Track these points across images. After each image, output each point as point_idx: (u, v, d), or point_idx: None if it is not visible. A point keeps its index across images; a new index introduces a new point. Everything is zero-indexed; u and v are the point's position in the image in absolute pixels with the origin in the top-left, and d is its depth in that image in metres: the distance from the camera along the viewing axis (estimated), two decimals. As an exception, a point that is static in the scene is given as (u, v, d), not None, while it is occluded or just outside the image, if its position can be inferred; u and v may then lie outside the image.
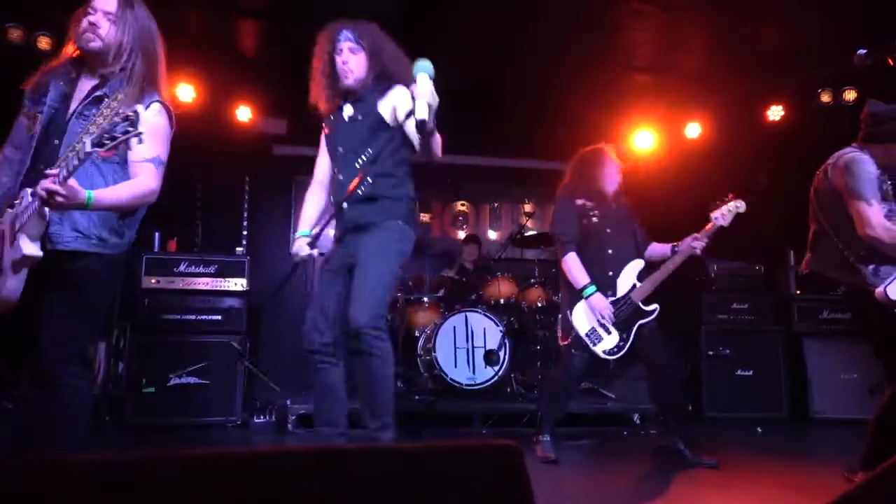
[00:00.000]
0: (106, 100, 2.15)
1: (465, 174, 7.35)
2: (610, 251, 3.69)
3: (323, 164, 2.95)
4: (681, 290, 3.88)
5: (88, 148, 1.88)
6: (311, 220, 2.88)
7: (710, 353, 5.31)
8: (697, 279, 5.52)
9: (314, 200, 2.91)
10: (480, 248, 6.62)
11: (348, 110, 2.81)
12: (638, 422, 4.88)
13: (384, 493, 0.93)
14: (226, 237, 5.95)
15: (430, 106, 2.30)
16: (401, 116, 2.50)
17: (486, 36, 5.07)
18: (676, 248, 3.66)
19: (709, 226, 3.59)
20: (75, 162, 1.91)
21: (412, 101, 2.32)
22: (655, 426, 4.58)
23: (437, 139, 2.49)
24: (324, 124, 2.93)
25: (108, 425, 4.40)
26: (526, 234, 6.06)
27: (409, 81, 2.46)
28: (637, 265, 3.69)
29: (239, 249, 5.35)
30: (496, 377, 5.04)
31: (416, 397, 5.05)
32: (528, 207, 7.45)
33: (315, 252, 2.65)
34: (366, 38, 2.73)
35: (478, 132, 6.47)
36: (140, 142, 1.91)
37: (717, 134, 6.32)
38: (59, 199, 1.91)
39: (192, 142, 5.38)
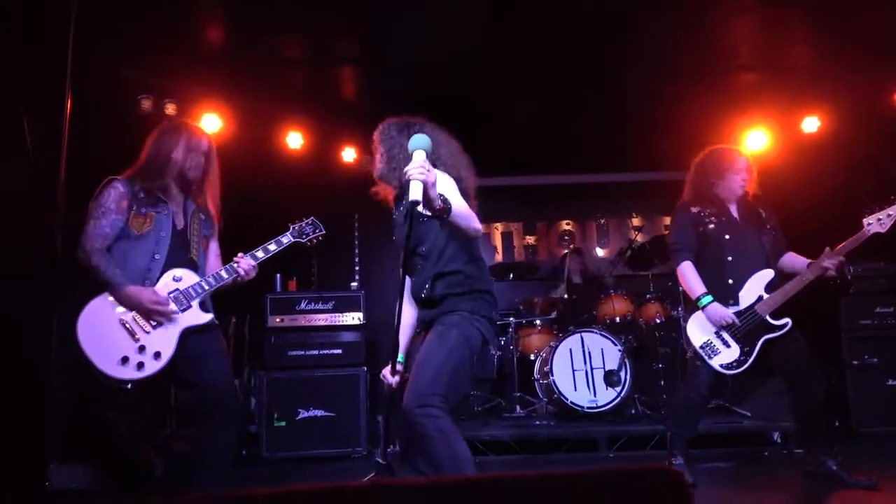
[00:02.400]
0: (195, 208, 2.90)
1: (567, 192, 7.24)
2: (730, 258, 3.46)
3: None
4: (815, 295, 3.55)
5: (290, 240, 2.99)
6: (407, 338, 2.68)
7: (855, 362, 4.84)
8: (832, 283, 5.07)
9: (407, 311, 2.66)
10: (583, 258, 6.46)
11: (399, 209, 2.67)
12: (779, 441, 4.52)
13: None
14: (340, 273, 6.17)
15: (425, 184, 2.09)
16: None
17: (579, 51, 5.00)
18: (811, 265, 3.35)
19: (857, 234, 3.23)
20: (273, 247, 2.92)
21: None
22: (800, 445, 4.21)
23: (463, 214, 2.29)
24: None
25: (245, 459, 4.62)
26: (636, 250, 5.85)
27: (447, 163, 2.46)
28: (765, 275, 3.42)
29: (353, 284, 5.53)
30: (619, 398, 4.86)
31: (537, 423, 4.95)
32: (635, 221, 7.21)
33: (396, 381, 2.54)
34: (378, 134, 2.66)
35: (578, 149, 6.37)
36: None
37: (838, 125, 5.86)
38: (253, 274, 2.85)
39: (303, 185, 5.72)
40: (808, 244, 3.56)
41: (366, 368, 4.81)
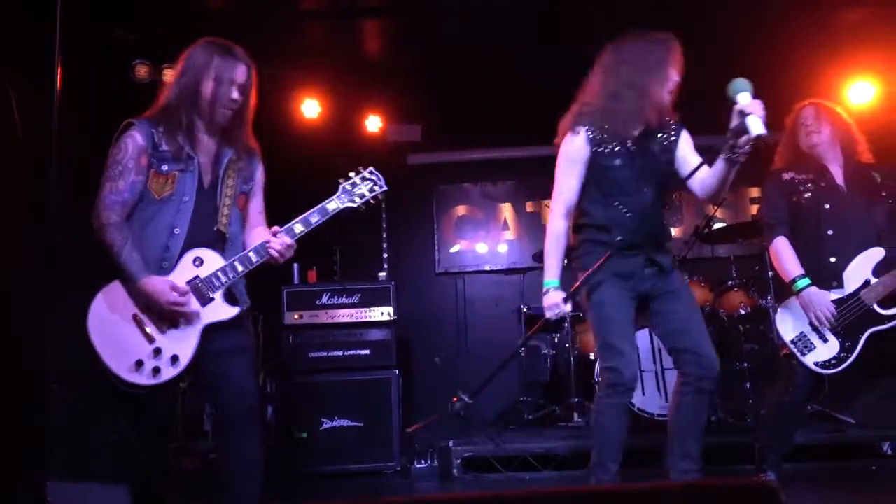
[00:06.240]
0: (232, 156, 2.71)
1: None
2: (830, 232, 3.39)
3: (574, 188, 3.12)
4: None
5: (339, 206, 2.74)
6: (559, 264, 3.17)
7: None
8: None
9: (563, 240, 3.21)
10: None
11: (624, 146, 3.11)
12: (890, 452, 4.44)
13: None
14: (366, 262, 6.23)
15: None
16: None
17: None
18: None
19: None
20: (316, 217, 2.67)
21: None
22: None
23: None
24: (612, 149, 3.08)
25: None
26: (715, 227, 5.75)
27: None
28: (873, 255, 3.33)
29: (381, 274, 5.58)
30: (695, 404, 4.82)
31: (599, 432, 4.94)
32: (714, 194, 7.09)
33: (569, 309, 2.91)
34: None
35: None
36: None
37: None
38: (291, 253, 2.63)
39: (321, 160, 5.78)
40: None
41: (398, 371, 4.87)
